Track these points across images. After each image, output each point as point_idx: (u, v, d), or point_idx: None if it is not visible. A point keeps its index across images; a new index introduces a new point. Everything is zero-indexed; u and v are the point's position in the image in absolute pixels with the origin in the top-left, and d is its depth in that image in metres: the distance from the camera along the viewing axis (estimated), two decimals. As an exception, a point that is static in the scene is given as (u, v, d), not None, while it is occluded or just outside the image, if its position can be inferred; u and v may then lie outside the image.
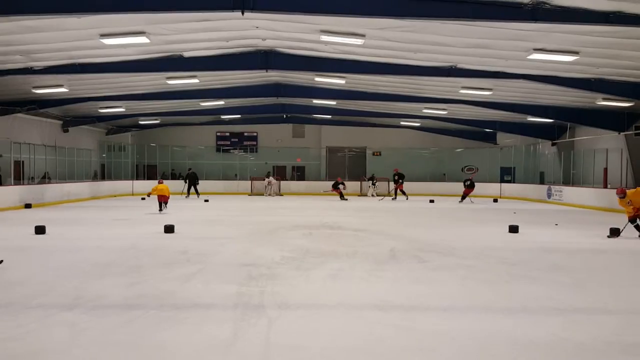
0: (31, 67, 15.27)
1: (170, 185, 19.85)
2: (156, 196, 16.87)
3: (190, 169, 27.00)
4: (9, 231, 11.76)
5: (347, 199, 24.49)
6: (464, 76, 15.96)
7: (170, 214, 15.86)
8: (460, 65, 15.17)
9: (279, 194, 28.53)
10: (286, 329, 4.83)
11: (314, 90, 21.51)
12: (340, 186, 25.34)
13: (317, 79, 18.54)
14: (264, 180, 28.23)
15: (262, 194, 27.90)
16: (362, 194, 28.83)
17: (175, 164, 32.46)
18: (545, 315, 5.39)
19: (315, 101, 24.55)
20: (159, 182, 17.60)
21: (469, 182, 23.25)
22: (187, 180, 25.93)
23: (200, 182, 26.21)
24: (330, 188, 25.60)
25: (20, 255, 8.80)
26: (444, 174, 31.57)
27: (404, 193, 25.01)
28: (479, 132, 30.52)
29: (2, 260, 5.82)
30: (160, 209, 16.67)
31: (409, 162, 31.39)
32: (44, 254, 8.92)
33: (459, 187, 28.98)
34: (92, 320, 5.02)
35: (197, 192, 25.50)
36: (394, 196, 25.04)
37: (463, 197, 23.34)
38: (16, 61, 14.65)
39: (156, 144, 32.43)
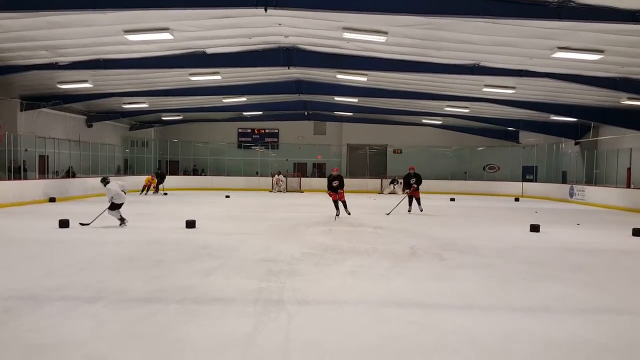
0: (56, 63, 15.52)
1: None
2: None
3: (159, 169, 27.39)
4: (33, 225, 11.98)
5: (349, 213, 14.95)
6: (487, 74, 15.81)
7: (192, 210, 16.00)
8: (483, 63, 15.02)
9: (300, 191, 28.66)
10: (306, 324, 4.85)
11: (336, 88, 21.46)
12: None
13: (339, 76, 18.52)
14: (273, 177, 28.74)
15: (280, 192, 28.07)
16: (382, 192, 28.75)
17: (197, 160, 32.75)
18: (567, 315, 5.34)
19: (337, 98, 24.52)
20: None
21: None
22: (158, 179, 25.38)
23: (222, 177, 26.40)
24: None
25: (44, 248, 8.98)
26: (465, 173, 31.35)
27: (419, 202, 16.36)
28: (501, 131, 30.23)
29: None
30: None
31: (430, 160, 31.27)
32: (68, 247, 9.08)
33: (481, 186, 28.79)
34: (114, 313, 5.10)
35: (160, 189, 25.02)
36: (409, 208, 16.44)
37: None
38: (42, 56, 14.90)
39: (178, 140, 32.78)
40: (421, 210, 16.01)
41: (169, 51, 15.17)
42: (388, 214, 15.29)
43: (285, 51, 15.92)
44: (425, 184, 28.46)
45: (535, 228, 12.02)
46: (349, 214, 14.58)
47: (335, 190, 14.54)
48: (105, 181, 12.03)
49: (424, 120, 30.05)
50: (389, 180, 28.48)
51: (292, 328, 4.71)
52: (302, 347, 4.27)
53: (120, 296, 5.75)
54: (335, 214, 14.40)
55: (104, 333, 4.53)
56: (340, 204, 14.68)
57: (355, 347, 4.29)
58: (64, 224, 11.43)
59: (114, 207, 11.77)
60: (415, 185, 16.12)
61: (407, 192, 16.49)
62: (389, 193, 27.50)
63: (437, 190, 28.09)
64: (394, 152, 32.98)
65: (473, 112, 24.49)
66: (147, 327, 4.70)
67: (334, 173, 14.86)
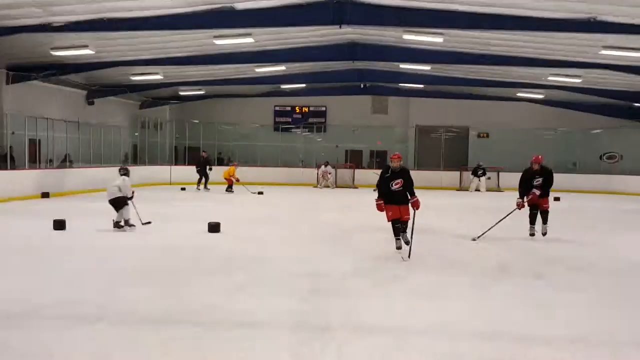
0: (50, 23, 15.91)
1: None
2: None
3: (204, 152, 26.30)
4: (23, 226, 12.40)
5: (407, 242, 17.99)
6: (608, 32, 15.32)
7: (216, 209, 16.20)
8: (602, 17, 14.56)
9: (354, 186, 28.62)
10: (360, 358, 4.86)
11: (401, 52, 21.23)
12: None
13: (406, 36, 18.31)
14: (319, 168, 28.86)
15: (328, 187, 28.30)
16: (463, 187, 28.41)
17: (222, 147, 33.07)
18: None
19: (403, 66, 24.31)
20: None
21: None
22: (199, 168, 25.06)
23: (254, 169, 26.43)
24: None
25: (35, 255, 9.29)
26: (575, 164, 30.55)
27: (545, 218, 12.33)
28: (624, 108, 29.20)
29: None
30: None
31: (528, 146, 30.45)
32: (64, 254, 9.37)
33: (596, 181, 28.01)
34: (119, 337, 5.25)
35: (205, 183, 24.78)
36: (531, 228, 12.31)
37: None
38: (32, 15, 15.26)
39: (199, 121, 33.10)
40: (544, 234, 11.77)
41: (189, 7, 15.36)
42: (475, 240, 11.36)
43: (336, 5, 15.88)
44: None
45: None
46: (408, 242, 9.62)
47: (399, 201, 9.72)
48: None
49: (519, 94, 29.44)
50: (471, 171, 28.24)
51: (342, 363, 4.53)
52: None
53: (127, 317, 5.91)
54: (395, 247, 9.80)
55: (105, 362, 4.43)
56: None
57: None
58: (59, 225, 11.79)
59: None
60: (539, 191, 11.73)
61: (520, 203, 11.81)
62: (475, 190, 27.50)
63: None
64: (479, 136, 32.45)
65: (586, 82, 23.80)
66: (159, 356, 4.82)
67: (396, 164, 9.84)
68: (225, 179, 24.09)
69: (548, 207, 11.97)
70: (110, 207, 12.00)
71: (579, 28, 15.11)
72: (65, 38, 17.87)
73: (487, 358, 4.95)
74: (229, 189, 23.85)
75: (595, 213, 18.54)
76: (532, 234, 11.93)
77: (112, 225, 11.95)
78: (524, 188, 11.82)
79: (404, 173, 9.72)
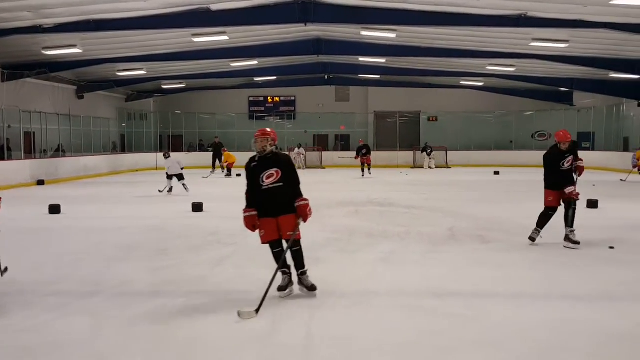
0: (40, 25, 15.55)
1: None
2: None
3: (216, 138, 26.60)
4: (20, 211, 12.12)
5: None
6: (536, 26, 15.49)
7: (198, 191, 16.09)
8: (531, 14, 14.71)
9: (322, 167, 28.74)
10: (330, 319, 4.85)
11: (360, 47, 21.27)
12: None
13: (364, 32, 18.29)
14: (292, 151, 28.79)
15: (300, 168, 28.17)
16: (417, 165, 28.66)
17: (203, 134, 32.82)
18: (632, 304, 5.27)
19: (362, 59, 24.32)
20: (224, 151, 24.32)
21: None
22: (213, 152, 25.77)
23: (232, 153, 26.33)
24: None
25: (33, 237, 9.12)
26: (511, 142, 30.99)
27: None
28: (552, 92, 29.74)
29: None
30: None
31: (471, 127, 31.04)
32: (60, 236, 9.24)
33: (530, 156, 28.48)
34: (115, 309, 5.16)
35: (222, 166, 25.01)
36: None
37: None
38: (24, 18, 14.92)
39: (181, 112, 32.88)
40: (578, 243, 7.71)
41: (169, 8, 15.10)
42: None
43: (301, 5, 15.76)
44: (466, 156, 28.22)
45: (592, 204, 11.89)
46: (311, 288, 5.54)
47: (276, 209, 5.56)
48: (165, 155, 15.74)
49: (462, 82, 29.71)
50: (423, 152, 28.46)
51: (315, 324, 4.72)
52: (327, 343, 4.28)
53: (121, 290, 5.83)
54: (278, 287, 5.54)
55: (104, 331, 4.59)
56: None
57: (388, 343, 4.29)
58: (54, 209, 11.60)
59: (168, 177, 15.41)
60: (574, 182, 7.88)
61: (573, 191, 7.71)
62: (428, 167, 27.82)
63: (478, 162, 27.87)
64: (429, 119, 32.77)
65: (519, 70, 24.09)
66: (152, 325, 4.75)
67: (261, 145, 5.66)
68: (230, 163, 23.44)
69: (578, 196, 7.76)
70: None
71: (511, 23, 15.32)
72: (54, 38, 17.45)
73: (442, 313, 4.97)
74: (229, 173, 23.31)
75: (529, 184, 18.79)
76: (532, 239, 8.05)
77: (104, 207, 11.82)
78: (557, 176, 7.88)
79: (279, 160, 5.53)
